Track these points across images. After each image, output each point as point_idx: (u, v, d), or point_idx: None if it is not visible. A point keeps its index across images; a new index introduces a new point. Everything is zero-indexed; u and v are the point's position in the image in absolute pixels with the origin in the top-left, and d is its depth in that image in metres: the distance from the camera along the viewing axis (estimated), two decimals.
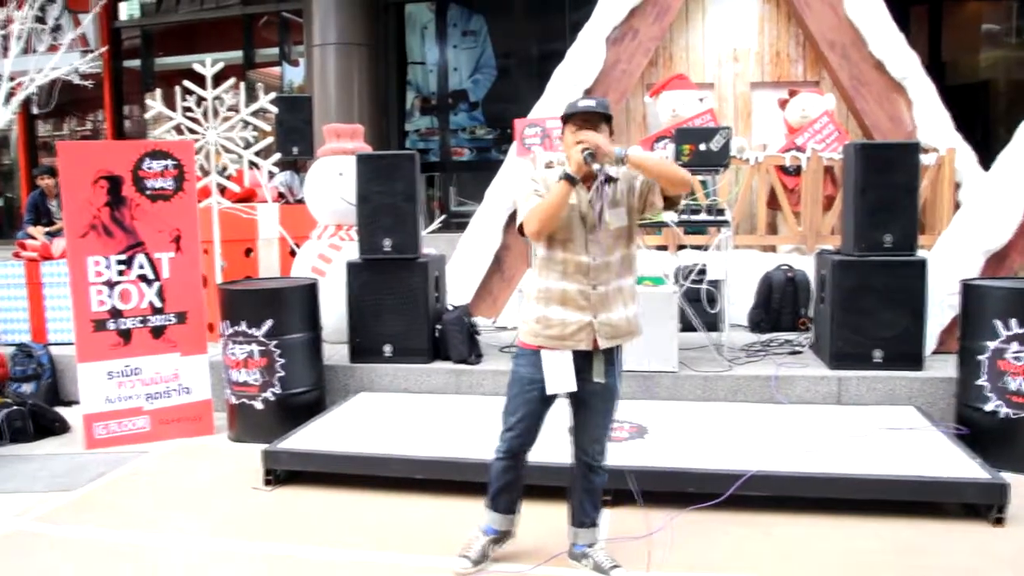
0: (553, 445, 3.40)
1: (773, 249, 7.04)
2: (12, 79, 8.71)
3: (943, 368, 5.05)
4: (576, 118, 3.03)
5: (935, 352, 5.40)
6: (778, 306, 6.33)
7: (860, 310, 5.07)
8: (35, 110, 11.36)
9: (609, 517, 3.75)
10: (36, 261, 6.70)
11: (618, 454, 4.08)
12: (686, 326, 5.53)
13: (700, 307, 5.73)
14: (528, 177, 3.16)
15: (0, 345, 6.40)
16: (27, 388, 5.99)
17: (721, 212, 5.54)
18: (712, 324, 5.79)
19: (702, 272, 6.03)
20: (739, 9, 7.52)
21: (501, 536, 3.37)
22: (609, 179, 3.06)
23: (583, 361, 3.09)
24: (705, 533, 3.62)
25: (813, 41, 7.11)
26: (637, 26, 7.12)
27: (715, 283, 5.82)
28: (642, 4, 7.08)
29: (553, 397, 3.13)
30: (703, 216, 5.51)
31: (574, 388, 3.07)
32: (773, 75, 7.50)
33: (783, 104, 7.22)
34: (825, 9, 6.95)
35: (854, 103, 6.92)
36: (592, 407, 3.15)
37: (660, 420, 4.66)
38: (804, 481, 3.79)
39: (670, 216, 5.44)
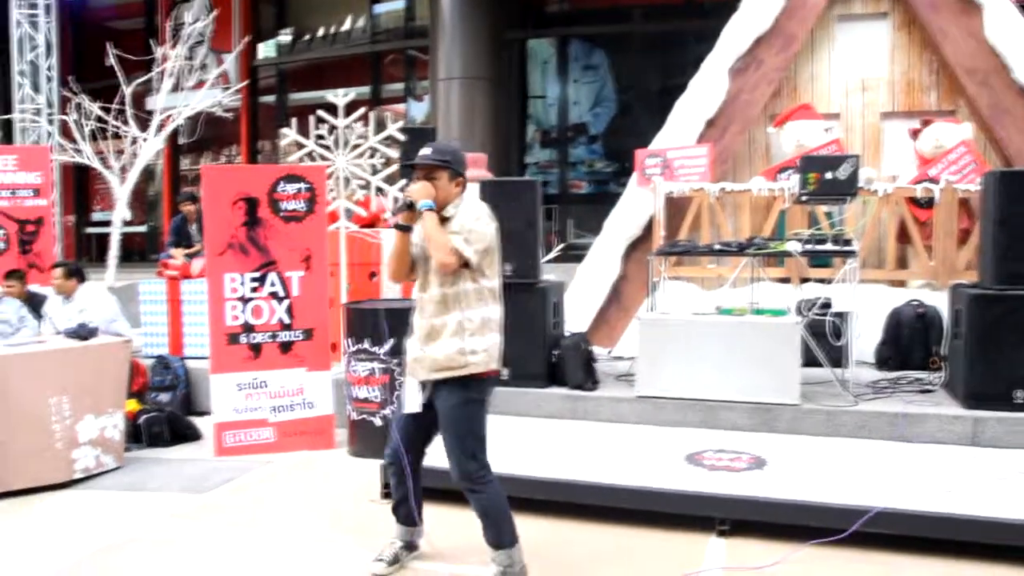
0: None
1: (903, 284, 6.75)
2: (163, 113, 9.40)
3: None
4: (416, 167, 3.26)
5: None
6: (907, 343, 6.04)
7: (999, 347, 4.80)
8: (181, 140, 12.18)
9: (725, 548, 3.67)
10: (177, 279, 7.13)
11: (735, 484, 3.99)
12: (809, 360, 5.35)
13: (825, 341, 5.54)
14: None
15: (141, 356, 6.82)
16: (164, 397, 6.35)
17: (848, 243, 5.36)
18: (836, 359, 5.57)
19: (826, 305, 5.83)
20: (869, 38, 7.32)
21: None
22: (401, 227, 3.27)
23: (430, 388, 3.33)
24: (826, 569, 3.48)
25: (949, 69, 6.85)
26: (762, 56, 7.05)
27: (840, 316, 5.62)
28: (767, 34, 7.01)
29: (419, 416, 3.36)
30: (828, 246, 5.36)
31: (418, 410, 3.34)
32: (904, 104, 7.25)
33: (915, 134, 6.96)
34: (964, 36, 6.69)
35: (994, 132, 6.61)
36: (440, 427, 3.35)
37: (779, 452, 4.52)
38: (936, 521, 3.59)
39: (794, 246, 5.31)
